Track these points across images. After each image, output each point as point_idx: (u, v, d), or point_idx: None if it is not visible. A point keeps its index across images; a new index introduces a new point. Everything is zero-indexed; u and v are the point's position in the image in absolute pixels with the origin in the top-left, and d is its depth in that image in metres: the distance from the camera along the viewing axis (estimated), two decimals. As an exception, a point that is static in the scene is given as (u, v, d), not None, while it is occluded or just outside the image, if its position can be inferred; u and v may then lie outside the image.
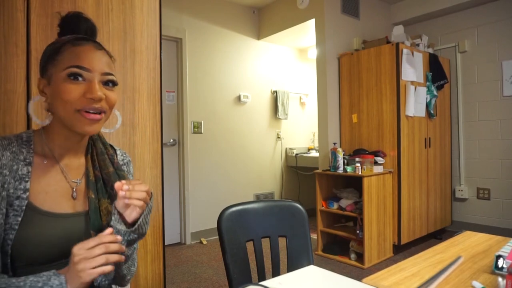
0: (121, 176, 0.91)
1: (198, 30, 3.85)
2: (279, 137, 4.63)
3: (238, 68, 4.20)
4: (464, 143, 3.88)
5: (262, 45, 4.46)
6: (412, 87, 3.23)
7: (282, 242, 1.26)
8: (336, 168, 3.15)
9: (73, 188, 0.85)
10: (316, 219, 3.33)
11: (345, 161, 3.17)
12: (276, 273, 1.23)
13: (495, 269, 0.93)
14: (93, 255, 0.68)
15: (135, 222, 0.82)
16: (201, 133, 3.86)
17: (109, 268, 0.70)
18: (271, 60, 4.57)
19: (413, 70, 3.26)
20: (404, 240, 3.22)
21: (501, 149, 3.61)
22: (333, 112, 3.62)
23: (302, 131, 4.98)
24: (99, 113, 0.80)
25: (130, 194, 0.76)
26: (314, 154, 4.61)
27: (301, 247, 1.28)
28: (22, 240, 0.74)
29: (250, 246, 1.20)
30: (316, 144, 4.79)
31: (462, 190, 3.86)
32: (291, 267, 1.23)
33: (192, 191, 3.78)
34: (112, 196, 0.88)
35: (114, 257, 0.71)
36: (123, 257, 0.74)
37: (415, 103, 3.29)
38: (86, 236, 0.80)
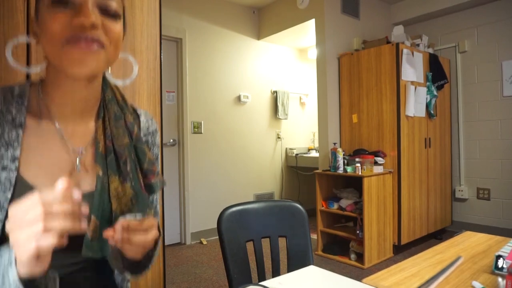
0: (139, 151, 0.71)
1: (198, 30, 3.85)
2: (279, 137, 4.63)
3: (238, 68, 4.19)
4: (464, 143, 3.88)
5: (262, 45, 4.46)
6: (412, 87, 3.23)
7: (282, 242, 1.26)
8: (336, 168, 3.15)
9: (76, 158, 0.67)
10: (316, 219, 3.33)
11: (345, 161, 3.17)
12: (276, 273, 1.23)
13: (495, 269, 0.93)
14: (25, 222, 0.44)
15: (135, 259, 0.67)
16: (201, 133, 3.86)
17: (46, 242, 0.44)
18: (271, 60, 4.57)
19: (413, 70, 3.26)
20: (404, 240, 3.22)
21: (501, 149, 3.61)
22: (333, 112, 3.62)
23: (302, 131, 4.98)
24: (93, 44, 0.60)
25: (122, 245, 0.58)
26: (314, 154, 4.61)
27: (301, 247, 1.28)
28: None
29: (250, 246, 1.19)
30: (316, 144, 4.79)
31: (462, 190, 3.86)
32: (291, 267, 1.22)
33: (192, 191, 3.78)
34: (124, 174, 0.67)
35: (62, 224, 0.44)
36: (83, 225, 0.47)
37: (415, 103, 3.29)
38: None
